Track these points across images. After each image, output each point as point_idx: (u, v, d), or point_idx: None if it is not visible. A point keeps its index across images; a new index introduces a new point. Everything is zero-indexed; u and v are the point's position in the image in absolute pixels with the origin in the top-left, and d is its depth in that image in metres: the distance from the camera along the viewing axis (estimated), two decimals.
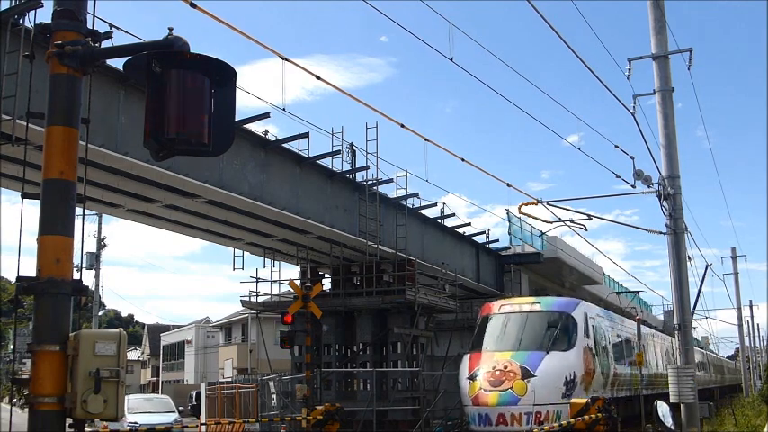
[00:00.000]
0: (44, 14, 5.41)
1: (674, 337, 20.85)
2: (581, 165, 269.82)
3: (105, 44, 5.45)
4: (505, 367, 16.27)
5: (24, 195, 5.09)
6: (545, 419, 15.58)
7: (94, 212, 35.85)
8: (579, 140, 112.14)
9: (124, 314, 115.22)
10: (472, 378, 16.57)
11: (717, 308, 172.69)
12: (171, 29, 5.01)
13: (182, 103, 4.80)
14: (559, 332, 17.77)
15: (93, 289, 41.25)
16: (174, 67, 4.82)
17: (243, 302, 29.23)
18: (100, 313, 56.22)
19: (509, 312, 18.62)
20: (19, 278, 4.79)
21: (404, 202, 26.20)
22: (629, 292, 43.27)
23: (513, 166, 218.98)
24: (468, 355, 17.91)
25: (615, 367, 20.79)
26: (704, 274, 26.09)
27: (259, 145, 20.26)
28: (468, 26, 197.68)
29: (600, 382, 18.72)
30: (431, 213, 28.51)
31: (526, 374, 16.04)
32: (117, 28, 12.22)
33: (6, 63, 11.03)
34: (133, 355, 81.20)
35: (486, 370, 16.48)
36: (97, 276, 42.23)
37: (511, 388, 15.79)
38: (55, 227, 4.82)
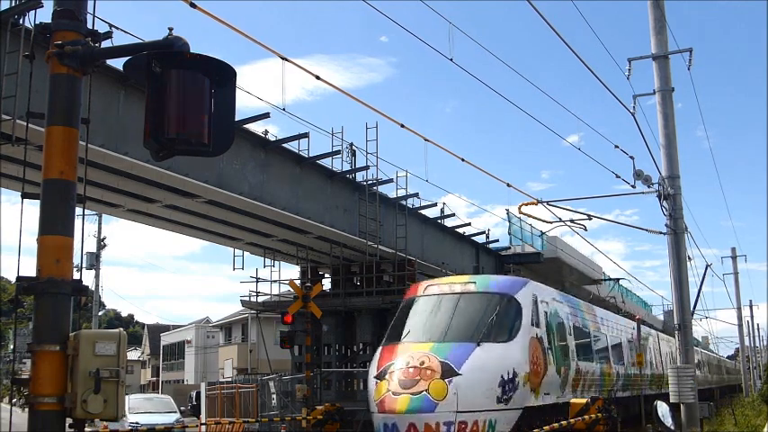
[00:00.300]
0: (44, 14, 5.42)
1: (674, 336, 20.77)
2: (581, 165, 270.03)
3: (105, 44, 5.45)
4: (422, 363, 12.76)
5: (24, 195, 5.08)
6: (473, 431, 12.48)
7: (94, 212, 35.89)
8: (579, 140, 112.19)
9: (124, 314, 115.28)
10: (380, 377, 13.28)
11: (717, 308, 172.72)
12: (171, 29, 5.01)
13: (182, 103, 4.80)
14: (497, 319, 14.09)
15: (93, 289, 41.26)
16: (174, 67, 4.82)
17: (243, 302, 29.24)
18: (100, 313, 56.23)
19: (437, 294, 15.04)
20: (19, 278, 4.79)
21: (404, 202, 26.20)
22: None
23: (513, 166, 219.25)
24: (381, 348, 14.55)
25: (579, 364, 17.29)
26: (704, 274, 26.08)
27: (259, 145, 20.26)
28: (468, 26, 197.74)
29: (554, 382, 15.37)
30: (431, 213, 28.52)
31: (448, 372, 12.56)
32: (117, 28, 12.23)
33: (6, 63, 11.04)
34: (133, 355, 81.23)
35: (399, 367, 13.03)
36: (97, 276, 42.27)
37: (426, 390, 12.31)
38: (55, 227, 4.82)
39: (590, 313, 20.41)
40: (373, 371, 13.89)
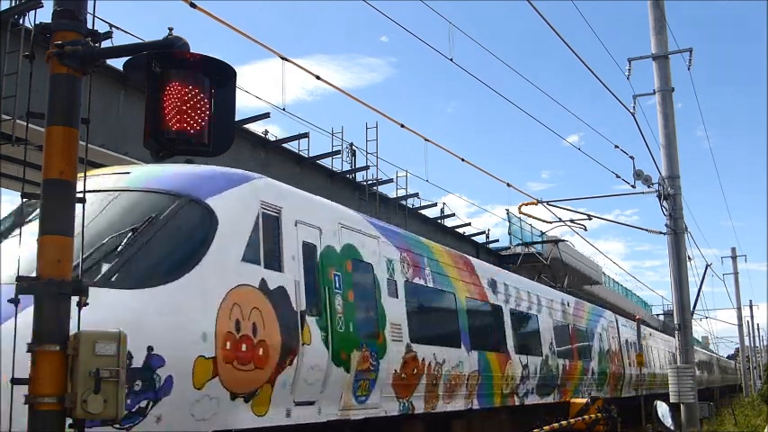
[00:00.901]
0: (44, 14, 5.42)
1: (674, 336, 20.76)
2: (581, 165, 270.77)
3: (105, 44, 5.46)
4: None
5: (24, 195, 5.09)
6: None
7: None
8: (579, 140, 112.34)
9: None
10: None
11: (717, 308, 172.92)
12: (171, 29, 5.01)
13: None
14: (140, 240, 6.82)
15: None
16: (174, 67, 4.82)
17: None
18: None
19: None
20: (19, 278, 4.79)
21: (404, 202, 26.22)
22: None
23: (513, 166, 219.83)
24: None
25: (417, 348, 10.15)
26: (704, 274, 26.07)
27: (259, 145, 20.28)
28: (468, 26, 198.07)
29: (327, 378, 8.23)
30: (431, 213, 28.56)
31: None
32: (117, 28, 12.30)
33: (6, 63, 11.05)
34: None
35: None
36: None
37: None
38: (55, 227, 4.83)
39: (460, 268, 12.60)
40: None
